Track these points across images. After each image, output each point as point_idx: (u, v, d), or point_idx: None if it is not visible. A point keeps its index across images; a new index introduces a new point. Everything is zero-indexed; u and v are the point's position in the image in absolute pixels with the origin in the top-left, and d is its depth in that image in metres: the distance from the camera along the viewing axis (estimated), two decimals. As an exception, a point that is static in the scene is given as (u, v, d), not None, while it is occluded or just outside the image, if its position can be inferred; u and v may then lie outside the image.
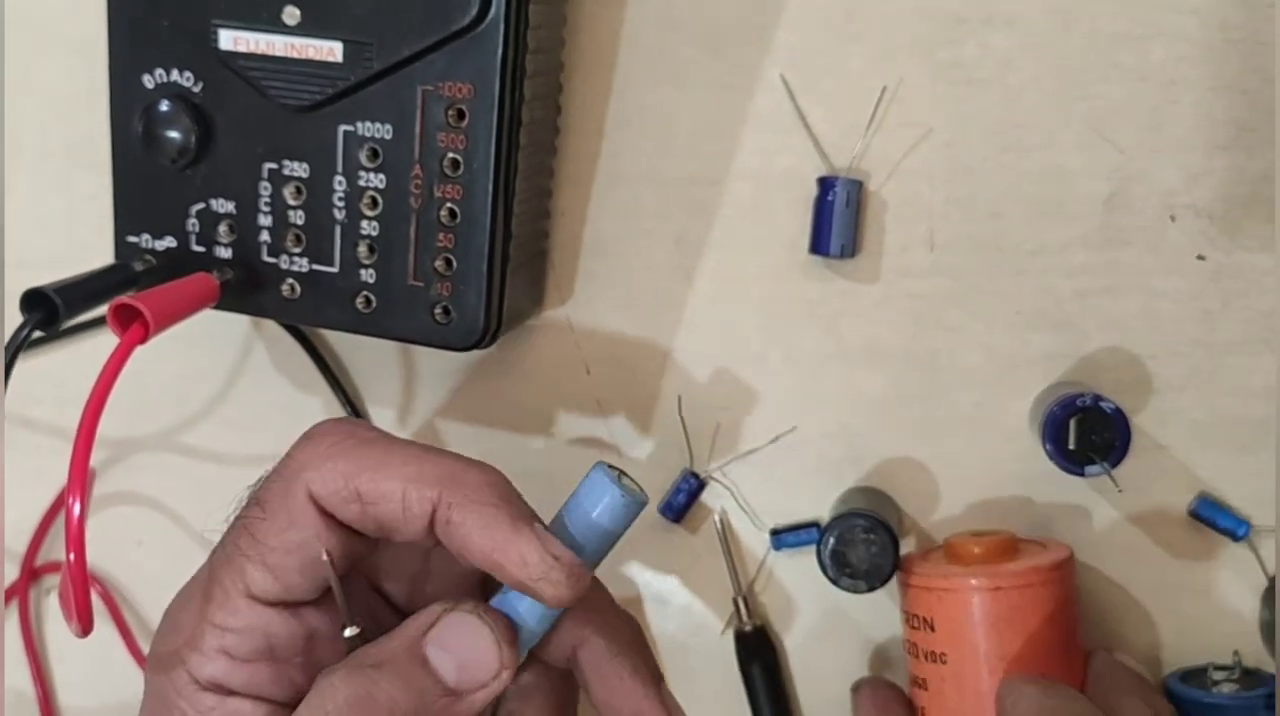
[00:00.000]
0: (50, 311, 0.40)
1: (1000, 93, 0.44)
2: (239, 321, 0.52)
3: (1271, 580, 0.43)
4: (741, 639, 0.48)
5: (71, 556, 0.37)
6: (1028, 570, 0.41)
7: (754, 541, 0.48)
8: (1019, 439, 0.45)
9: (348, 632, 0.35)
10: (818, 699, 0.48)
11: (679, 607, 0.49)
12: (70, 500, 0.37)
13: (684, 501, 0.47)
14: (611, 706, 0.36)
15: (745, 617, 0.47)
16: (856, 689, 0.45)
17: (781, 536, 0.47)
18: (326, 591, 0.35)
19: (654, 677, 0.37)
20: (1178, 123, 0.43)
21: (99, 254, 0.47)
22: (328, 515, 0.34)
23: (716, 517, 0.48)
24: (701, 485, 0.48)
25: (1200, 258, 0.43)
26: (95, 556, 0.55)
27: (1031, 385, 0.45)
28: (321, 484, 0.34)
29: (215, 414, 0.53)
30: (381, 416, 0.51)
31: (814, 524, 0.47)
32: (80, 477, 0.37)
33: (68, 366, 0.52)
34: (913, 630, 0.42)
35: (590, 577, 0.34)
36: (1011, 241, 0.44)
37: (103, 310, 0.41)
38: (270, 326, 0.51)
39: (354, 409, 0.51)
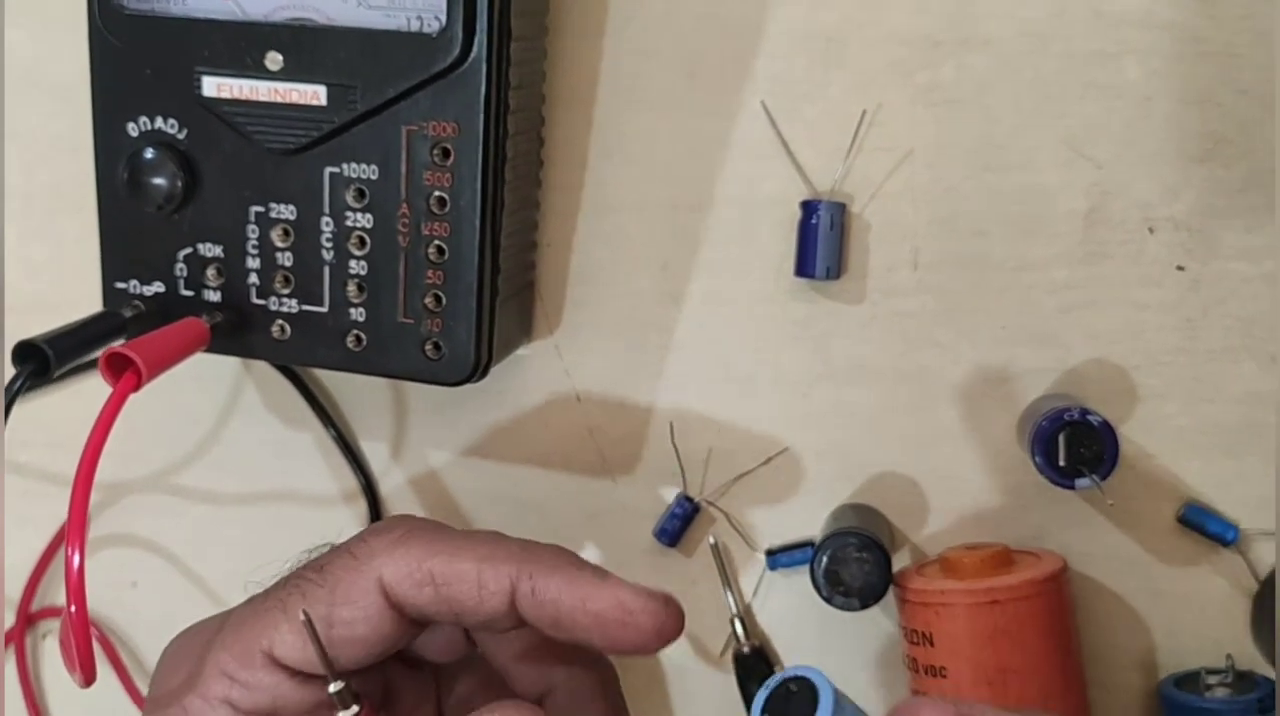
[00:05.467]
0: (42, 362, 0.40)
1: (978, 113, 0.44)
2: (229, 361, 0.52)
3: (1262, 583, 0.44)
4: (740, 660, 0.48)
5: (73, 608, 0.37)
6: (1024, 582, 0.41)
7: (749, 563, 0.48)
8: (1007, 452, 0.46)
9: (332, 688, 0.34)
10: (819, 716, 0.49)
11: (678, 631, 0.49)
12: (70, 552, 0.37)
13: (679, 526, 0.48)
14: None
15: (743, 638, 0.48)
16: None
17: (777, 556, 0.47)
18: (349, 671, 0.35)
19: None
20: (1153, 137, 0.43)
21: (86, 296, 0.47)
22: (393, 605, 0.34)
23: (711, 540, 0.48)
24: (696, 509, 0.48)
25: (1180, 268, 0.44)
26: (90, 599, 0.54)
27: (1018, 399, 0.45)
28: (394, 568, 0.34)
29: (207, 454, 0.53)
30: (374, 451, 0.51)
31: (809, 543, 0.47)
32: (79, 529, 0.37)
33: (58, 410, 0.52)
34: (912, 645, 0.43)
35: (682, 619, 0.34)
36: (994, 259, 0.45)
37: (93, 354, 0.42)
38: (260, 365, 0.52)
39: (346, 445, 0.51)
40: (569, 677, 0.37)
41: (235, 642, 0.35)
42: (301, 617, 0.33)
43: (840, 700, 0.29)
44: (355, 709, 0.34)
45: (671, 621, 0.33)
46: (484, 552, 0.34)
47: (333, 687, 0.34)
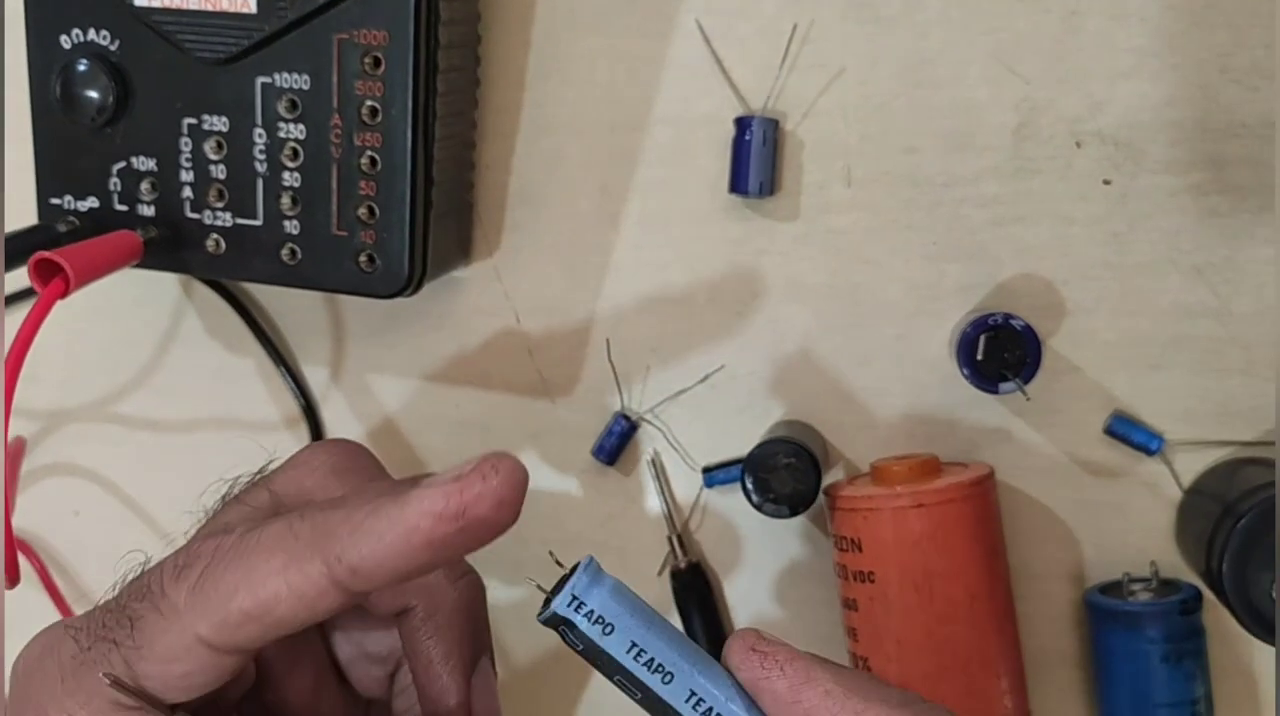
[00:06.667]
0: (-29, 270, 0.40)
1: (909, 30, 0.45)
2: (169, 287, 0.52)
3: (1186, 492, 0.45)
4: (677, 576, 0.48)
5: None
6: (949, 486, 0.42)
7: (687, 480, 0.49)
8: (940, 367, 0.46)
9: None
10: (754, 631, 0.49)
11: (614, 549, 0.50)
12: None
13: (616, 443, 0.48)
14: (419, 689, 0.34)
15: (680, 555, 0.48)
16: None
17: (713, 473, 0.48)
18: None
19: (465, 664, 0.34)
20: (1080, 52, 0.44)
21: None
22: (226, 651, 0.30)
23: (649, 458, 0.48)
24: (633, 427, 0.48)
25: (1106, 182, 0.44)
26: (33, 526, 0.55)
27: (950, 314, 0.46)
28: (207, 622, 0.30)
29: (148, 381, 0.53)
30: (315, 374, 0.51)
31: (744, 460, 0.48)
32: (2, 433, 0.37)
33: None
34: (841, 552, 0.43)
35: (519, 469, 0.29)
36: (925, 175, 0.45)
37: (24, 281, 0.41)
38: (200, 291, 0.52)
39: (288, 368, 0.51)
40: (427, 595, 0.34)
41: (76, 688, 0.31)
42: (107, 683, 0.30)
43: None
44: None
45: (505, 485, 0.28)
46: (280, 561, 0.29)
47: None
